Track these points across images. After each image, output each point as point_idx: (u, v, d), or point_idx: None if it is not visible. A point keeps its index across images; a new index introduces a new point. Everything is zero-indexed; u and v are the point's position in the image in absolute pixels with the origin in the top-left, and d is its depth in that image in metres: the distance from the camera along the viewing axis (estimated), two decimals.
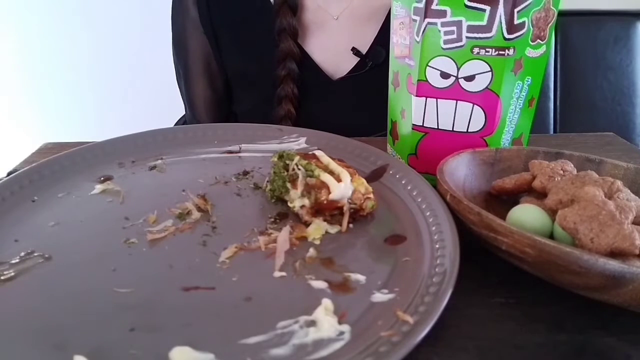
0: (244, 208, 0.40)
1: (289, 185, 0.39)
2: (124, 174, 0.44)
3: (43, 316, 0.28)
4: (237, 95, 0.77)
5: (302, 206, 0.38)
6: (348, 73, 0.71)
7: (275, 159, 0.41)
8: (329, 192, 0.37)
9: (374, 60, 0.69)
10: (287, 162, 0.40)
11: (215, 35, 0.72)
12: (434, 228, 0.35)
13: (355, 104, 0.71)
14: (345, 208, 0.37)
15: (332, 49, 0.71)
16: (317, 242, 0.35)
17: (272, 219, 0.38)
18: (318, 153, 0.41)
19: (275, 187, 0.40)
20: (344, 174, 0.38)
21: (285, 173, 0.39)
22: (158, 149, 0.48)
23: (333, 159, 0.40)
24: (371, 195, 0.38)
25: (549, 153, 0.44)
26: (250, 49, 0.72)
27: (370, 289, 0.30)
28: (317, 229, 0.37)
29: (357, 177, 0.39)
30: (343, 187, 0.37)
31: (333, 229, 0.37)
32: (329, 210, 0.37)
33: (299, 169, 0.39)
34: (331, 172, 0.38)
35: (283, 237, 0.35)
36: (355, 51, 0.70)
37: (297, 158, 0.40)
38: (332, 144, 0.50)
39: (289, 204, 0.39)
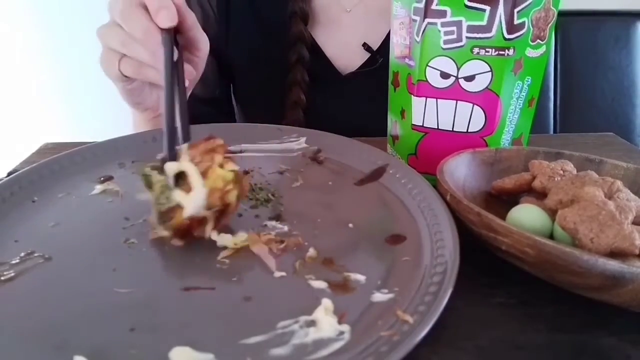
0: (244, 208, 0.40)
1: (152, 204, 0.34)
2: (124, 174, 0.44)
3: (43, 316, 0.28)
4: (242, 79, 0.75)
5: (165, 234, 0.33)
6: (358, 68, 0.70)
7: (142, 175, 0.35)
8: (183, 212, 0.32)
9: (385, 57, 0.69)
10: (146, 176, 0.35)
11: (227, 19, 0.71)
12: (434, 228, 0.35)
13: (365, 100, 0.71)
14: (207, 215, 0.32)
15: (343, 43, 0.71)
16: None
17: (272, 219, 0.38)
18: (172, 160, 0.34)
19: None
20: (194, 179, 0.32)
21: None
22: (158, 149, 0.48)
23: (192, 146, 0.34)
24: (230, 186, 0.33)
25: (549, 153, 0.44)
26: (262, 31, 0.71)
27: (370, 289, 0.30)
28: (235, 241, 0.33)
29: (213, 169, 0.32)
30: (194, 198, 0.31)
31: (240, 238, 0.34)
32: (196, 228, 0.33)
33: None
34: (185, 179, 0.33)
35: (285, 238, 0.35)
36: (367, 47, 0.70)
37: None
38: (332, 143, 0.50)
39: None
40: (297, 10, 0.68)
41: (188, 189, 0.32)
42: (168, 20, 0.40)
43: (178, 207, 0.32)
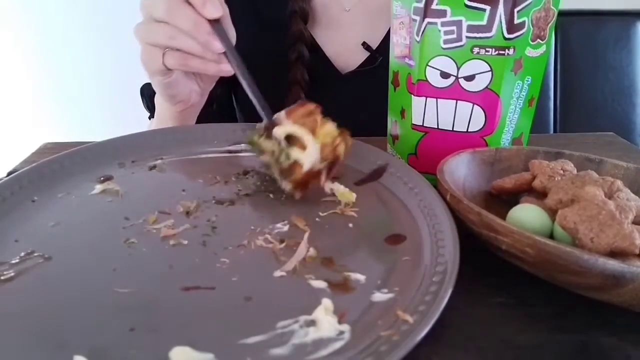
0: (244, 208, 0.40)
1: (268, 166, 0.41)
2: (124, 174, 0.44)
3: (43, 316, 0.28)
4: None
5: (289, 188, 0.39)
6: (358, 67, 0.70)
7: (250, 144, 0.43)
8: (302, 167, 0.37)
9: (385, 56, 0.69)
10: (258, 144, 0.41)
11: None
12: (434, 228, 0.35)
13: (364, 99, 0.71)
14: (321, 168, 0.38)
15: (342, 42, 0.71)
16: (352, 205, 0.39)
17: (272, 219, 0.38)
18: (277, 126, 0.40)
19: (262, 162, 0.42)
20: (306, 138, 0.37)
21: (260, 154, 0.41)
22: (158, 149, 0.48)
23: (290, 112, 0.40)
24: (338, 140, 0.38)
25: (549, 153, 0.44)
26: (262, 31, 0.71)
27: (370, 289, 0.30)
28: (345, 194, 0.39)
29: (319, 127, 0.38)
30: (309, 154, 0.37)
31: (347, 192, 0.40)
32: (312, 180, 0.38)
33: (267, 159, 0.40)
34: (295, 139, 0.38)
35: (302, 247, 0.34)
36: (366, 46, 0.70)
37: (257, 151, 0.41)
38: None
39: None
40: (297, 10, 0.68)
41: (301, 147, 0.38)
42: (215, 11, 0.44)
43: (296, 163, 0.38)
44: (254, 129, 0.43)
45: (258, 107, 0.44)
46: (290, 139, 0.39)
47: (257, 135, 0.42)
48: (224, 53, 0.45)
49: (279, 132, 0.39)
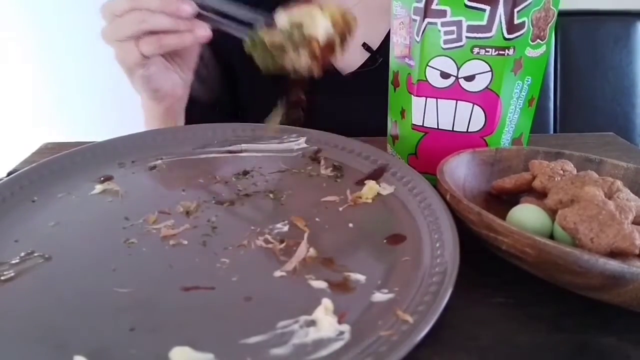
0: (244, 208, 0.40)
1: (278, 57, 0.40)
2: (124, 174, 0.44)
3: (43, 316, 0.28)
4: (243, 80, 0.76)
5: (308, 65, 0.39)
6: (358, 68, 0.71)
7: (251, 48, 0.42)
8: (317, 38, 0.37)
9: (385, 56, 0.69)
10: (263, 40, 0.41)
11: None
12: (434, 228, 0.35)
13: (365, 99, 0.71)
14: (335, 39, 0.39)
15: None
16: (369, 201, 0.40)
17: (272, 219, 0.38)
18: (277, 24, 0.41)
19: (267, 64, 0.41)
20: (313, 12, 0.38)
21: (268, 50, 0.41)
22: (158, 149, 0.48)
23: (287, 10, 0.41)
24: (346, 13, 0.39)
25: (549, 153, 0.44)
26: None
27: (370, 289, 0.30)
28: (370, 189, 0.40)
29: (325, 9, 0.39)
30: (319, 22, 0.37)
31: (383, 191, 0.41)
32: (330, 54, 0.38)
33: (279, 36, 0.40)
34: (300, 24, 0.39)
35: (302, 248, 0.34)
36: (366, 46, 0.70)
37: (267, 35, 0.41)
38: (332, 143, 0.50)
39: (294, 67, 0.40)
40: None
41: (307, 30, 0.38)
42: None
43: (312, 39, 0.38)
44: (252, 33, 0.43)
45: (250, 16, 0.43)
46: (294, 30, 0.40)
47: (261, 33, 0.41)
48: (198, 14, 0.45)
49: (284, 18, 0.39)
